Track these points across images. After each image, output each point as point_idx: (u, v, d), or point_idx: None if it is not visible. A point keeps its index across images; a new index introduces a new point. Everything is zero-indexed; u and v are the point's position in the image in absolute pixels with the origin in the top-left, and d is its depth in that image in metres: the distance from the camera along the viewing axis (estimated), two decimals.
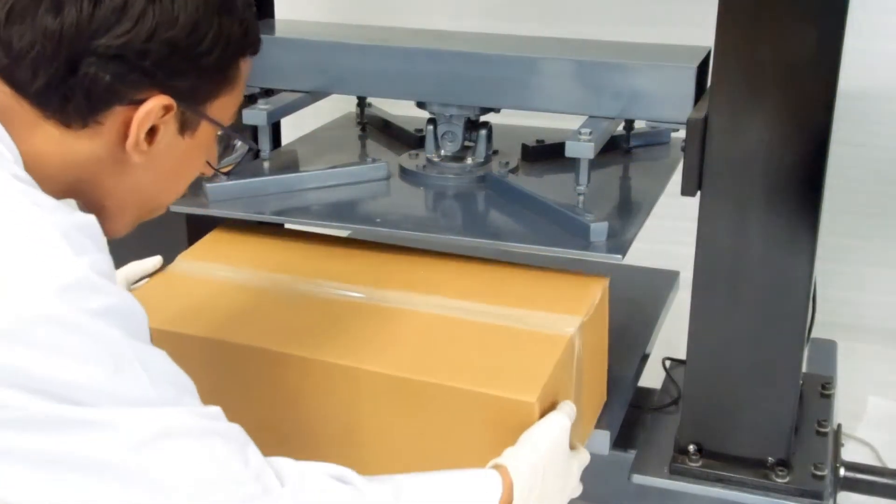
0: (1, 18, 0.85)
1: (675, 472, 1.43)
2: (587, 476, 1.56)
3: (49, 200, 0.82)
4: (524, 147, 1.73)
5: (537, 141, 1.74)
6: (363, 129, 1.93)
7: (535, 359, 1.21)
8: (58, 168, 0.91)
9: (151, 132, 0.93)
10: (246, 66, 1.00)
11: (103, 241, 0.86)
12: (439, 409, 1.19)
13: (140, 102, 0.90)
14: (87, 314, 0.78)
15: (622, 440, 1.49)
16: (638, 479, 1.44)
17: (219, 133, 1.03)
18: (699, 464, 1.41)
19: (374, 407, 1.23)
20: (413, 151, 1.72)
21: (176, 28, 0.89)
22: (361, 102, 1.94)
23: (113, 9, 0.86)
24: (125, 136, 0.91)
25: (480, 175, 1.62)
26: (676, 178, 1.36)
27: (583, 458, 1.24)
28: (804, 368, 1.44)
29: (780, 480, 1.38)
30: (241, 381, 1.29)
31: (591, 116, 1.50)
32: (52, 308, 0.76)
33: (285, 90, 1.68)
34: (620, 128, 1.73)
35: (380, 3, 2.54)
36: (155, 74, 0.89)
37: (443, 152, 1.64)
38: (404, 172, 1.64)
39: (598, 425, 1.41)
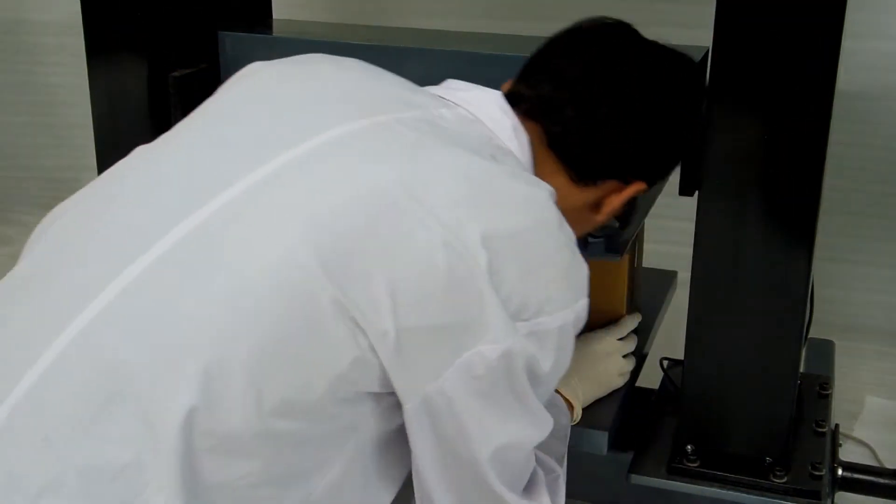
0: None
1: (673, 472, 1.43)
2: (585, 476, 1.56)
3: None
4: None
5: None
6: None
7: None
8: None
9: None
10: None
11: None
12: None
13: (629, 183, 1.16)
14: None
15: (620, 440, 1.48)
16: (636, 479, 1.44)
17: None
18: (697, 464, 1.41)
19: None
20: None
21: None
22: None
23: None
24: (603, 198, 1.16)
25: None
26: (674, 178, 1.36)
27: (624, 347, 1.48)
28: (802, 368, 1.44)
29: (777, 480, 1.38)
30: None
31: None
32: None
33: None
34: None
35: (379, 3, 2.54)
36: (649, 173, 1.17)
37: None
38: None
39: (596, 426, 1.41)
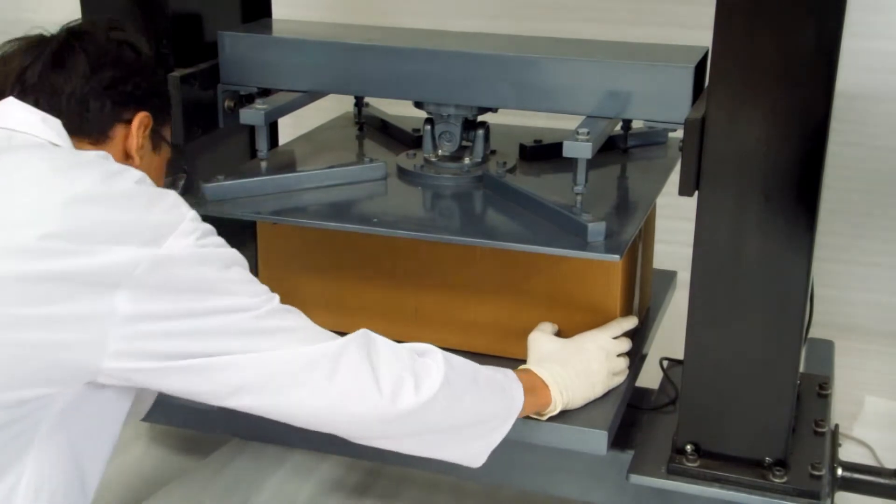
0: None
1: (673, 472, 1.43)
2: (585, 476, 1.56)
3: None
4: (522, 147, 1.73)
5: (535, 141, 1.74)
6: (361, 129, 1.93)
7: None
8: None
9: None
10: None
11: None
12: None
13: (130, 121, 1.32)
14: None
15: (620, 440, 1.49)
16: (635, 479, 1.44)
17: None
18: (696, 464, 1.41)
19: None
20: (410, 151, 1.71)
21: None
22: (359, 102, 1.94)
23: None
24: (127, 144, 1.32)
25: (478, 175, 1.62)
26: (674, 178, 1.36)
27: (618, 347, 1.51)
28: (801, 368, 1.44)
29: (777, 480, 1.38)
30: None
31: (588, 116, 1.50)
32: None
33: (283, 90, 1.68)
34: (618, 128, 1.73)
35: (379, 3, 2.54)
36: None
37: (440, 152, 1.64)
38: (402, 172, 1.64)
39: (596, 425, 1.41)
